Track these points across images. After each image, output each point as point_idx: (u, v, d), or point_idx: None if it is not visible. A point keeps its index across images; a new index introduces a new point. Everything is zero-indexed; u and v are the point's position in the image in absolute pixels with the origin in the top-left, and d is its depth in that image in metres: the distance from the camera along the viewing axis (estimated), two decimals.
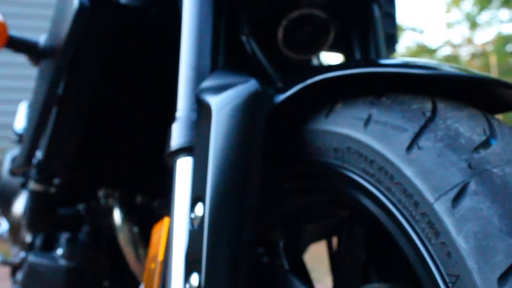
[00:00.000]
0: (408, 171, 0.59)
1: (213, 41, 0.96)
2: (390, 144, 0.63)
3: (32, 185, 1.48)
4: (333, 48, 1.28)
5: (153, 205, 1.46)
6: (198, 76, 0.90)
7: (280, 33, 1.17)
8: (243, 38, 1.15)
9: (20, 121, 2.34)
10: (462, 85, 0.68)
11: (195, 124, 0.84)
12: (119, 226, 1.44)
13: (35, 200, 1.51)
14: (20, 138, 2.30)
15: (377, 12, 1.21)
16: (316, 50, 1.23)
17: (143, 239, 1.41)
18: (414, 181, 0.59)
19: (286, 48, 1.19)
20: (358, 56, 1.19)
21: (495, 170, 0.54)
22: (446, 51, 15.80)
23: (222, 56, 0.98)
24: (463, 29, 15.38)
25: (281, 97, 0.78)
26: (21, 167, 1.40)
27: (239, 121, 0.75)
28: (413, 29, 15.45)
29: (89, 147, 1.33)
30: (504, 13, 15.90)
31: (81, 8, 1.11)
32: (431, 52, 15.58)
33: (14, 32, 1.31)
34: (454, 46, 15.79)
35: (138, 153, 1.33)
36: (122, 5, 1.24)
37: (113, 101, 1.31)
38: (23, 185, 1.83)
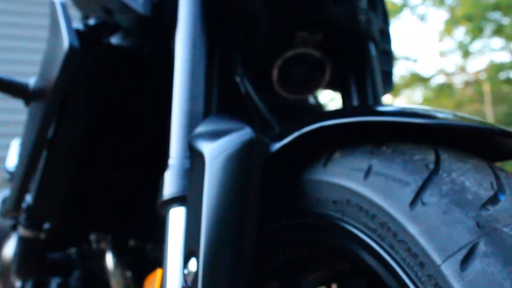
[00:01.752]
0: (413, 229, 0.56)
1: (206, 84, 0.94)
2: (393, 198, 0.60)
3: (22, 231, 1.44)
4: (329, 86, 1.26)
5: (146, 249, 1.42)
6: (191, 121, 0.88)
7: (275, 73, 1.15)
8: (237, 79, 1.13)
9: (12, 159, 2.30)
10: (464, 135, 0.66)
11: (188, 173, 0.81)
12: (112, 271, 1.40)
13: (24, 246, 1.47)
14: (11, 176, 2.26)
15: (373, 50, 1.19)
16: (311, 90, 1.21)
17: (136, 283, 1.37)
18: (419, 240, 0.55)
19: (281, 88, 1.17)
20: (354, 94, 1.17)
21: (505, 229, 0.51)
22: (440, 79, 15.92)
23: (216, 99, 0.96)
24: (456, 58, 15.50)
25: (277, 145, 0.75)
26: (10, 212, 1.36)
27: (233, 171, 0.72)
28: (407, 58, 15.58)
29: (80, 190, 1.29)
30: (496, 41, 16.06)
31: (72, 49, 1.08)
32: (424, 80, 15.68)
33: (2, 74, 1.29)
34: (447, 74, 15.90)
35: (130, 197, 1.30)
36: (113, 45, 1.22)
37: (104, 144, 1.28)
38: (14, 227, 1.79)
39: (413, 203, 0.58)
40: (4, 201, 1.87)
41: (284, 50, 1.14)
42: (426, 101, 16.68)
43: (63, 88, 1.14)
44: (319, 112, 0.81)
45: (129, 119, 1.27)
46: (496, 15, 12.62)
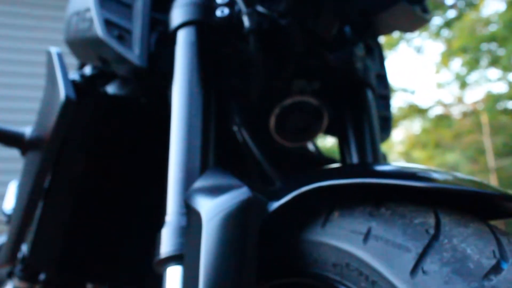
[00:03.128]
0: None
1: (203, 136, 0.93)
2: (393, 265, 0.58)
3: (17, 282, 1.42)
4: (327, 131, 1.25)
5: None
6: (188, 177, 0.87)
7: (272, 121, 1.15)
8: (234, 128, 1.13)
9: (9, 201, 2.29)
10: (465, 198, 0.65)
11: (185, 230, 0.80)
12: None
13: None
14: (8, 219, 2.24)
15: (370, 96, 1.19)
16: (309, 137, 1.21)
17: None
18: None
19: (279, 136, 1.17)
20: (352, 140, 1.17)
21: None
22: (438, 110, 15.97)
23: (213, 151, 0.95)
24: (454, 89, 15.58)
25: (275, 205, 0.74)
26: (6, 263, 1.34)
27: (231, 231, 0.71)
28: (404, 90, 15.65)
29: (76, 241, 1.28)
30: (493, 72, 16.16)
31: (68, 101, 1.08)
32: (422, 112, 15.74)
33: None
34: (445, 105, 15.96)
35: (127, 247, 1.28)
36: (110, 95, 1.22)
37: (101, 195, 1.27)
38: (9, 275, 1.77)
39: (414, 271, 0.56)
40: (0, 248, 1.85)
41: (282, 98, 1.14)
42: (424, 132, 16.71)
43: (59, 139, 1.14)
44: (317, 170, 0.80)
45: (126, 169, 1.26)
46: (492, 46, 12.71)
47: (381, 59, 1.42)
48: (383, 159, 1.22)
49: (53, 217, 1.24)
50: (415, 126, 17.77)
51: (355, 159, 1.15)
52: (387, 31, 1.14)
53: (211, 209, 0.73)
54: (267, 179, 1.08)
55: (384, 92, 1.40)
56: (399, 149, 18.43)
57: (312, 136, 1.20)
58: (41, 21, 6.10)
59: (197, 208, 0.76)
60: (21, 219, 1.23)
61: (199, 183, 0.84)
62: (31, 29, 6.08)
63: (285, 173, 1.06)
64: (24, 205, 1.21)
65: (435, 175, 0.66)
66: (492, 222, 0.64)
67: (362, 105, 1.18)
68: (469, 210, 0.63)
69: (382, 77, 1.41)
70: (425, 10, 1.08)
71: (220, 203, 0.73)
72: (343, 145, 1.20)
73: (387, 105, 1.40)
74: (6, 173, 5.12)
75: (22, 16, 6.08)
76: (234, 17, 1.05)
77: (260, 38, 1.03)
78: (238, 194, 0.73)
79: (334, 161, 1.40)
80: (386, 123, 1.38)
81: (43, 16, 6.11)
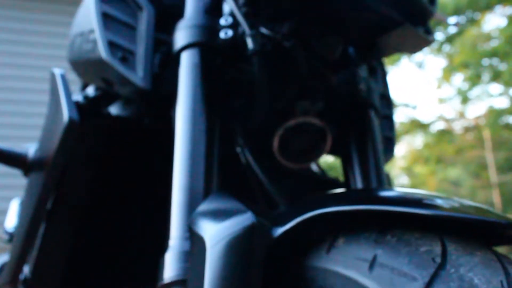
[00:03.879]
0: None
1: (206, 159, 0.93)
2: None
3: None
4: (330, 151, 1.25)
5: None
6: (191, 200, 0.87)
7: (275, 142, 1.15)
8: (238, 149, 1.12)
9: (11, 219, 2.28)
10: (471, 225, 0.64)
11: (188, 255, 0.80)
12: None
13: None
14: (10, 237, 2.23)
15: (374, 117, 1.19)
16: (313, 158, 1.20)
17: None
18: None
19: (283, 157, 1.16)
20: (355, 160, 1.16)
21: None
22: (440, 125, 15.98)
23: (217, 174, 0.95)
24: (455, 104, 15.59)
25: (279, 230, 0.73)
26: (8, 284, 1.33)
27: (235, 257, 0.70)
28: (406, 105, 15.67)
29: (79, 263, 1.27)
30: (494, 87, 16.19)
31: (71, 123, 1.08)
32: (424, 127, 15.74)
33: (1, 144, 1.28)
34: (447, 120, 15.97)
35: (130, 270, 1.27)
36: (113, 116, 1.22)
37: (104, 217, 1.26)
38: None
39: None
40: (2, 268, 1.84)
41: (285, 119, 1.14)
42: (426, 147, 16.71)
43: (62, 160, 1.13)
44: (322, 195, 0.79)
45: (129, 191, 1.26)
46: (493, 62, 12.74)
47: (385, 79, 1.42)
48: (387, 180, 1.21)
49: (56, 238, 1.23)
50: (417, 141, 17.78)
51: (358, 179, 1.14)
52: (391, 52, 1.14)
53: (215, 234, 0.73)
54: (271, 202, 1.08)
55: (387, 112, 1.40)
56: (401, 164, 18.41)
57: (315, 157, 1.20)
58: (45, 37, 6.13)
59: (201, 233, 0.76)
60: (24, 240, 1.22)
61: (202, 207, 0.84)
62: (34, 45, 6.11)
63: (289, 195, 1.06)
64: (26, 225, 1.20)
65: (440, 202, 0.66)
66: (497, 248, 0.64)
67: (366, 126, 1.18)
68: (475, 236, 0.63)
69: (385, 97, 1.41)
70: (428, 32, 1.08)
71: (224, 229, 0.73)
72: (346, 165, 1.20)
73: (390, 126, 1.40)
74: (8, 188, 5.12)
75: (25, 32, 6.11)
76: (238, 39, 1.05)
77: (264, 60, 1.03)
78: (242, 220, 0.73)
79: (338, 182, 1.39)
80: (390, 144, 1.38)
81: (47, 33, 6.14)
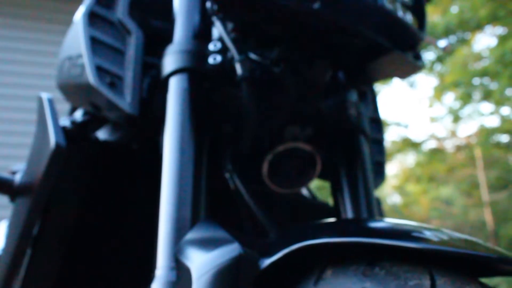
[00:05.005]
0: None
1: (194, 186, 0.92)
2: None
3: None
4: (320, 176, 1.24)
5: None
6: (178, 229, 0.86)
7: (265, 167, 1.14)
8: (227, 175, 1.11)
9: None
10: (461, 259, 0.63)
11: (175, 286, 0.79)
12: None
13: None
14: None
15: (363, 142, 1.18)
16: (302, 183, 1.20)
17: None
18: None
19: (272, 182, 1.16)
20: (345, 185, 1.15)
21: None
22: (431, 144, 16.01)
23: (204, 201, 0.94)
24: (447, 123, 15.66)
25: (266, 261, 0.72)
26: None
27: None
28: (398, 124, 15.71)
29: None
30: (485, 106, 16.28)
31: (58, 147, 1.07)
32: (416, 145, 15.77)
33: None
34: (438, 139, 16.02)
35: None
36: (101, 141, 1.21)
37: (91, 243, 1.25)
38: None
39: None
40: None
41: (274, 144, 1.13)
42: (418, 165, 16.73)
43: (48, 186, 1.12)
44: (310, 224, 0.78)
45: (116, 217, 1.24)
46: (484, 81, 12.81)
47: (375, 103, 1.42)
48: (377, 205, 1.20)
49: (42, 265, 1.21)
50: (409, 159, 17.80)
51: (348, 205, 1.13)
52: (380, 77, 1.14)
53: (201, 265, 0.72)
54: (259, 228, 1.07)
55: (377, 136, 1.39)
56: (393, 183, 18.43)
57: (305, 182, 1.19)
58: (39, 56, 6.11)
59: (187, 263, 0.75)
60: (9, 266, 1.20)
61: (189, 236, 0.83)
62: (30, 64, 6.09)
63: (278, 222, 1.05)
64: (12, 251, 1.19)
65: (429, 234, 0.65)
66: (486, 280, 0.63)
67: (355, 151, 1.17)
68: (464, 269, 0.62)
69: (375, 121, 1.41)
70: (417, 57, 1.08)
71: (211, 260, 0.72)
72: (336, 190, 1.19)
73: (380, 150, 1.40)
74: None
75: (21, 52, 6.10)
76: (227, 64, 1.04)
77: (253, 85, 1.02)
78: (229, 251, 0.72)
79: (327, 207, 1.38)
80: (380, 168, 1.37)
81: (40, 52, 6.13)
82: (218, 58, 1.04)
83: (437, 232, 0.66)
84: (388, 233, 0.65)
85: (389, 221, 0.74)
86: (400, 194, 19.62)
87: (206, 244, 0.77)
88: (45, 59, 5.94)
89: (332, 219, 0.82)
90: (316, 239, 0.68)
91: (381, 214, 1.39)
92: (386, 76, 1.13)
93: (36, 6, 6.13)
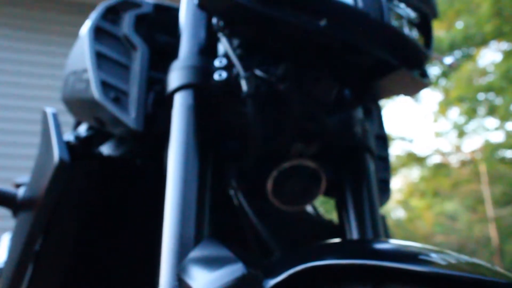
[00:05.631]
0: None
1: (198, 204, 0.91)
2: None
3: None
4: (325, 193, 1.23)
5: None
6: (182, 248, 0.85)
7: (269, 185, 1.13)
8: (231, 192, 1.11)
9: (1, 255, 2.24)
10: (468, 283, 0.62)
11: None
12: None
13: None
14: (0, 272, 2.20)
15: (369, 160, 1.17)
16: (307, 201, 1.18)
17: None
18: None
19: (277, 200, 1.15)
20: (350, 203, 1.14)
21: None
22: (436, 159, 16.00)
23: (208, 219, 0.93)
24: (452, 138, 15.64)
25: (270, 282, 0.71)
26: None
27: None
28: (403, 139, 15.71)
29: None
30: (490, 121, 16.26)
31: (61, 163, 1.06)
32: (420, 160, 15.76)
33: None
34: (443, 154, 16.00)
35: None
36: (105, 157, 1.20)
37: (93, 260, 1.24)
38: None
39: None
40: None
41: (279, 161, 1.12)
42: (422, 180, 16.70)
43: (51, 201, 1.11)
44: (316, 245, 0.77)
45: (120, 233, 1.24)
46: (489, 96, 12.81)
47: (380, 120, 1.41)
48: (382, 223, 1.19)
49: (44, 281, 1.20)
50: (414, 174, 17.78)
51: (353, 223, 1.12)
52: (387, 95, 1.13)
53: (204, 285, 0.71)
54: (264, 245, 1.06)
55: (383, 153, 1.38)
56: (397, 197, 18.38)
57: (310, 199, 1.18)
58: (44, 68, 6.13)
59: (190, 283, 0.74)
60: (11, 281, 1.19)
61: (193, 255, 0.82)
62: (33, 76, 6.11)
63: (283, 240, 1.04)
64: (13, 267, 1.18)
65: (436, 257, 0.64)
66: None
67: (361, 169, 1.16)
68: None
69: (381, 138, 1.40)
70: (424, 75, 1.07)
71: (214, 280, 0.71)
72: (341, 208, 1.18)
73: (386, 167, 1.38)
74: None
75: (25, 63, 6.12)
76: (232, 81, 1.04)
77: (258, 102, 1.02)
78: (233, 271, 0.71)
79: (332, 225, 1.37)
80: (386, 186, 1.36)
81: (45, 63, 6.15)
82: (224, 74, 1.03)
83: (443, 255, 0.65)
84: (394, 255, 0.64)
85: (395, 242, 0.73)
86: (404, 208, 19.57)
87: (210, 263, 0.76)
88: (50, 71, 5.95)
89: (337, 240, 0.82)
90: (321, 260, 0.67)
91: (387, 232, 1.38)
92: (392, 93, 1.12)
93: (43, 19, 6.17)
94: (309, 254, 0.70)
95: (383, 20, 0.93)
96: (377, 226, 1.12)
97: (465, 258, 0.65)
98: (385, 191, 1.36)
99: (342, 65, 1.02)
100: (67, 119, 1.32)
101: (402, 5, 1.01)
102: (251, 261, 0.74)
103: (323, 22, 0.91)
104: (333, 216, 1.30)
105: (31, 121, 5.59)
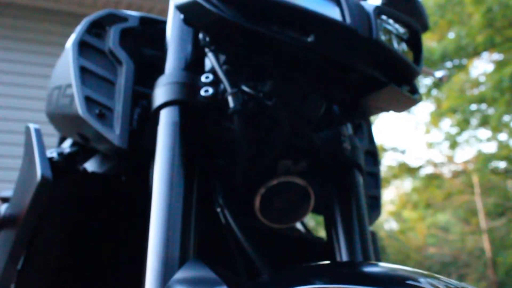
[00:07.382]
0: None
1: (183, 224, 0.89)
2: None
3: None
4: (313, 210, 1.21)
5: None
6: (166, 269, 0.83)
7: (257, 202, 1.11)
8: (217, 209, 1.08)
9: None
10: None
11: None
12: None
13: None
14: None
15: (358, 177, 1.16)
16: (296, 218, 1.17)
17: None
18: None
19: (265, 217, 1.13)
20: (339, 220, 1.13)
21: None
22: (428, 170, 16.01)
23: (193, 238, 0.91)
24: (444, 148, 15.67)
25: None
26: None
27: None
28: (395, 149, 15.73)
29: None
30: (483, 132, 16.31)
31: (44, 180, 1.04)
32: (413, 171, 15.77)
33: None
34: (435, 165, 16.02)
35: None
36: (89, 173, 1.18)
37: (77, 278, 1.21)
38: None
39: None
40: None
41: (267, 178, 1.10)
42: (415, 191, 16.71)
43: (34, 218, 1.09)
44: (304, 267, 0.76)
45: (104, 251, 1.21)
46: (481, 107, 12.85)
47: (370, 135, 1.39)
48: (372, 239, 1.17)
49: None
50: (406, 185, 17.80)
51: (342, 240, 1.10)
52: (376, 111, 1.12)
53: None
54: (251, 264, 1.04)
55: (373, 169, 1.37)
56: (390, 209, 18.39)
57: (299, 217, 1.16)
58: (36, 78, 6.12)
59: None
60: None
61: (177, 276, 0.80)
62: (25, 86, 6.09)
63: (271, 259, 1.02)
64: None
65: (424, 282, 0.62)
66: None
67: (350, 185, 1.14)
68: None
69: (371, 153, 1.38)
70: (413, 91, 1.06)
71: None
72: (330, 225, 1.16)
73: (376, 183, 1.37)
74: None
75: (21, 75, 6.11)
76: (219, 97, 1.02)
77: (245, 118, 1.00)
78: None
79: (321, 242, 1.35)
80: (376, 202, 1.35)
81: (37, 74, 6.14)
82: (210, 90, 1.02)
83: (432, 280, 0.63)
84: (381, 280, 0.63)
85: (383, 265, 0.71)
86: (396, 220, 19.58)
87: (194, 285, 0.74)
88: (45, 82, 5.94)
89: (325, 262, 0.80)
90: (308, 284, 0.66)
91: (376, 250, 1.36)
92: (381, 110, 1.11)
93: (42, 30, 6.16)
94: (296, 277, 0.68)
95: (372, 36, 0.92)
96: (366, 244, 1.10)
97: (454, 283, 0.64)
98: (375, 207, 1.34)
99: (330, 82, 1.01)
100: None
101: (391, 21, 0.99)
102: (236, 283, 0.73)
103: (310, 38, 0.90)
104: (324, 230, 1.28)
105: (20, 132, 5.56)
